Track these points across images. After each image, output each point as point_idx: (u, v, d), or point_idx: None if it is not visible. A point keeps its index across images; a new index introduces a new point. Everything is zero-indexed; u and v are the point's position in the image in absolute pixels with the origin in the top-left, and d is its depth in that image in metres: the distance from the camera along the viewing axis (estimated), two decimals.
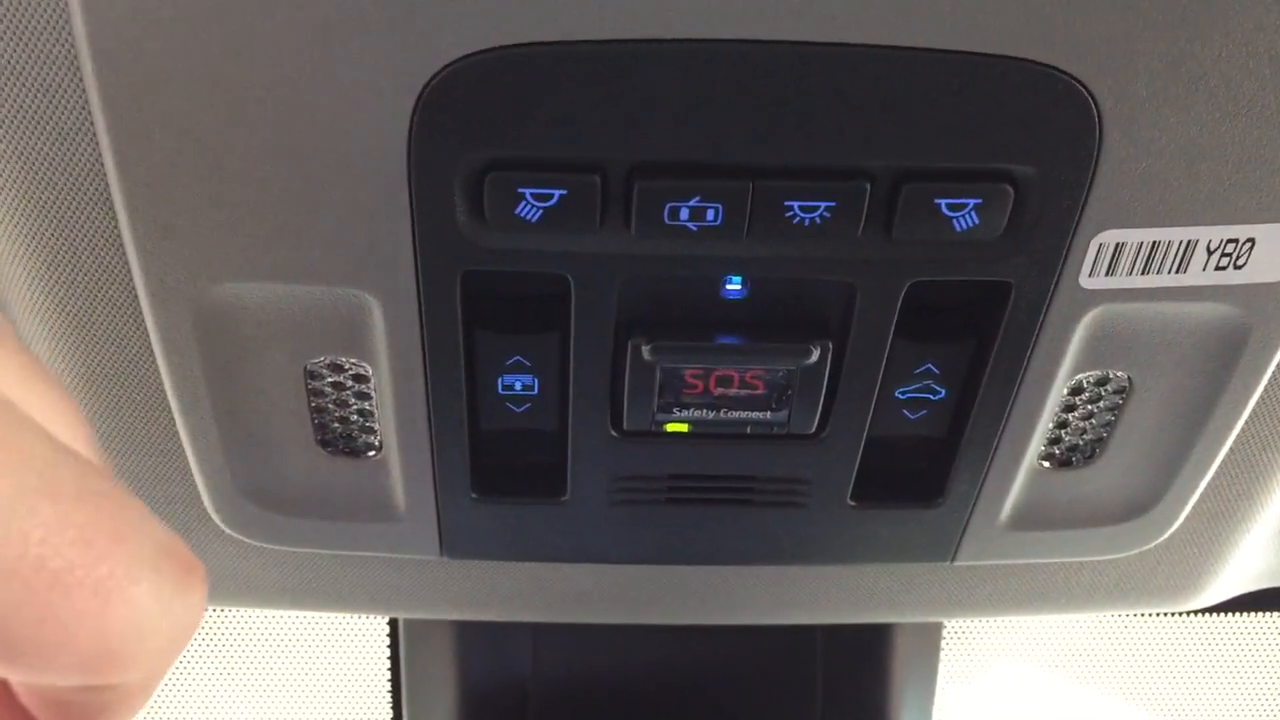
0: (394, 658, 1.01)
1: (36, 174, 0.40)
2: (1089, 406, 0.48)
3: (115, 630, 0.17)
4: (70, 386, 0.48)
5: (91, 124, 0.38)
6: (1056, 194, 0.38)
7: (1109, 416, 0.49)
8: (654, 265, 0.40)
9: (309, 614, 1.01)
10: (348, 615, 1.00)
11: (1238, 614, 1.04)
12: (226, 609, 1.00)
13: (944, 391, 0.46)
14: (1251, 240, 0.41)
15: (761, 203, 0.38)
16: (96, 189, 0.41)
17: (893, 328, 0.43)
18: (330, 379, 0.46)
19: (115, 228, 0.42)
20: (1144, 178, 0.38)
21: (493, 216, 0.38)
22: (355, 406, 0.47)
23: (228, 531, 0.53)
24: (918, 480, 0.51)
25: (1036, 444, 0.49)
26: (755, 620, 0.64)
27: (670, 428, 0.47)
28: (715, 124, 0.36)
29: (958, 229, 0.39)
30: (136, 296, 0.43)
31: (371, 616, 1.00)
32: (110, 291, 0.44)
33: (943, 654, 0.92)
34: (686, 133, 0.37)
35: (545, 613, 0.63)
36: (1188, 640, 1.05)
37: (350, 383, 0.46)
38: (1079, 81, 0.36)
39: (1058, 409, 0.48)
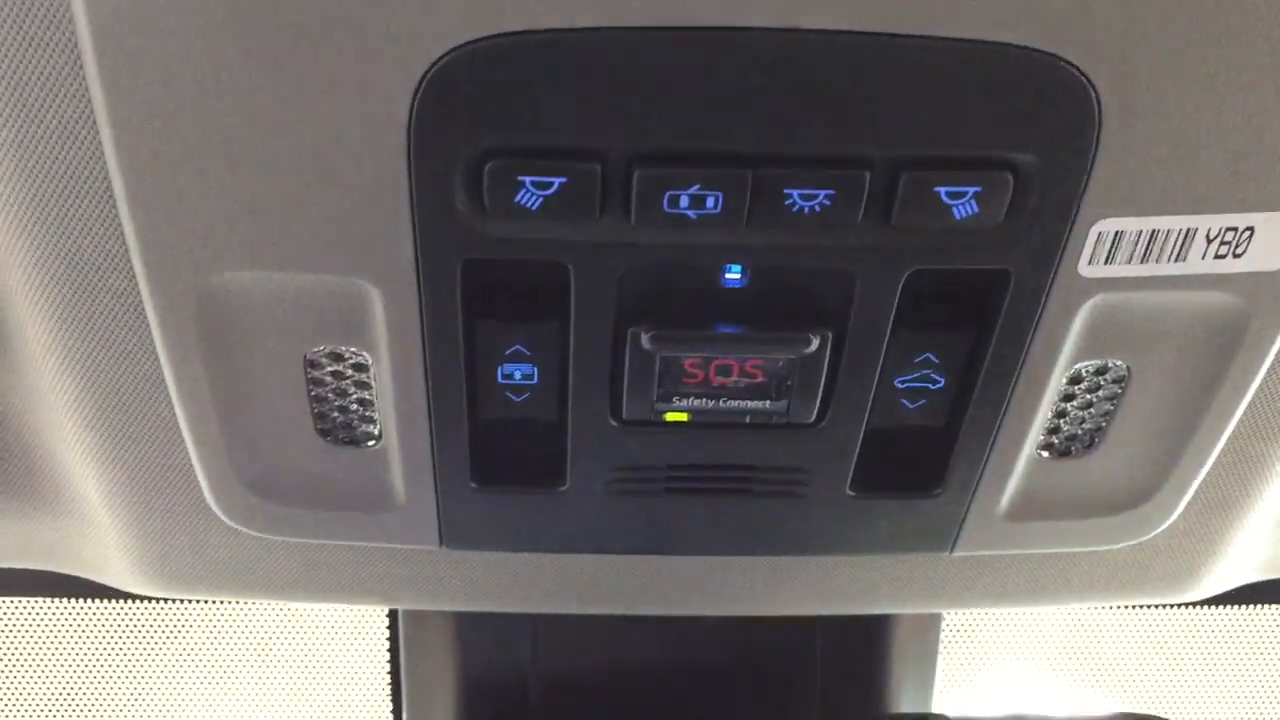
0: (394, 649, 1.01)
1: (37, 162, 0.40)
2: (1088, 395, 0.49)
3: None
4: (70, 376, 0.48)
5: (92, 112, 0.38)
6: (1056, 182, 0.38)
7: (1108, 406, 0.49)
8: (654, 254, 0.40)
9: (309, 605, 1.01)
10: (348, 606, 1.00)
11: (1236, 606, 1.04)
12: (228, 600, 1.00)
13: (943, 380, 0.47)
14: (1251, 229, 0.41)
15: (761, 191, 0.38)
16: (97, 177, 0.41)
17: (892, 316, 0.43)
18: (330, 368, 0.46)
19: (115, 216, 0.42)
20: (1143, 166, 0.38)
21: (492, 205, 0.38)
22: (355, 396, 0.47)
23: (228, 522, 0.53)
24: (916, 470, 0.51)
25: (1035, 433, 0.49)
26: (754, 611, 0.64)
27: (670, 417, 0.47)
28: (715, 112, 0.36)
29: (957, 217, 0.39)
30: (136, 285, 0.43)
31: (372, 608, 1.00)
32: (110, 280, 0.44)
33: (942, 646, 0.92)
34: (686, 120, 0.37)
35: (544, 604, 0.63)
36: (1186, 632, 1.06)
37: (350, 372, 0.46)
38: (1078, 69, 0.36)
39: (1057, 398, 0.48)
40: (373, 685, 1.05)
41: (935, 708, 0.89)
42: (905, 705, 0.83)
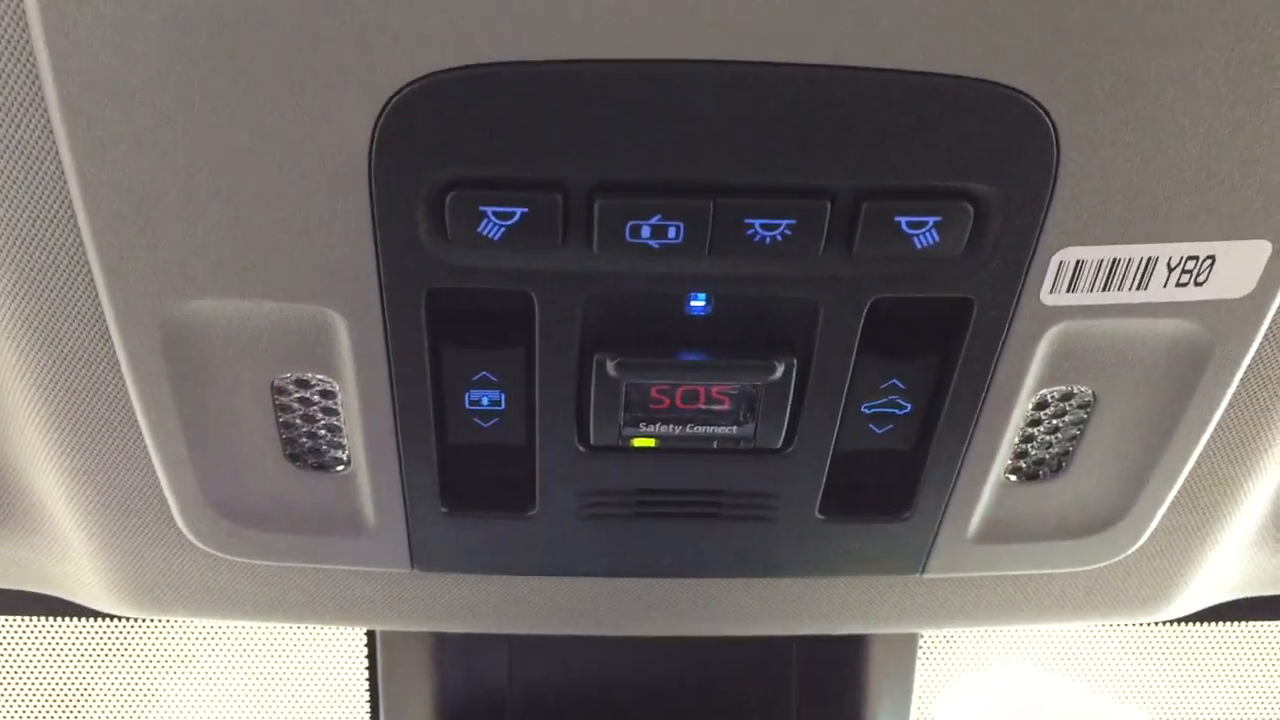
0: (372, 669, 1.01)
1: None
2: (1054, 420, 0.49)
3: None
4: (39, 402, 0.48)
5: (54, 142, 0.38)
6: (1016, 212, 0.39)
7: (1074, 430, 0.49)
8: (617, 282, 0.40)
9: (285, 626, 1.01)
10: (325, 627, 1.00)
11: (1209, 624, 1.04)
12: (203, 620, 1.00)
13: (909, 406, 0.47)
14: (1212, 258, 0.41)
15: (722, 221, 0.38)
16: (61, 207, 0.41)
17: (856, 344, 0.43)
18: (297, 394, 0.46)
19: (81, 244, 0.42)
20: (1103, 196, 0.39)
21: (455, 234, 0.38)
22: (323, 422, 0.47)
23: (198, 545, 0.53)
24: (885, 494, 0.51)
25: (1003, 458, 0.49)
26: (729, 632, 0.64)
27: (637, 442, 0.47)
28: (676, 142, 0.37)
29: (918, 246, 0.39)
30: (103, 313, 0.43)
31: (350, 628, 1.00)
32: (77, 308, 0.44)
33: (920, 665, 0.92)
34: (647, 151, 0.37)
35: (518, 625, 0.63)
36: (1160, 650, 1.06)
37: (317, 398, 0.46)
38: (1036, 102, 0.36)
39: (1023, 423, 0.48)
40: (351, 706, 1.04)
41: None
42: None
